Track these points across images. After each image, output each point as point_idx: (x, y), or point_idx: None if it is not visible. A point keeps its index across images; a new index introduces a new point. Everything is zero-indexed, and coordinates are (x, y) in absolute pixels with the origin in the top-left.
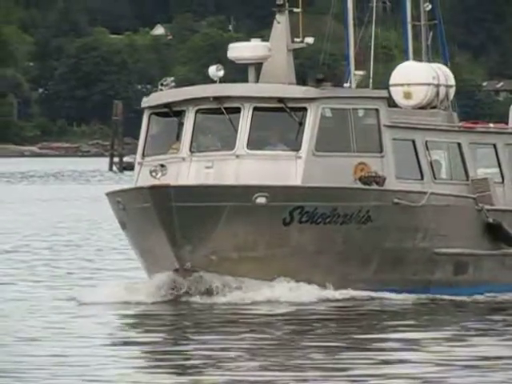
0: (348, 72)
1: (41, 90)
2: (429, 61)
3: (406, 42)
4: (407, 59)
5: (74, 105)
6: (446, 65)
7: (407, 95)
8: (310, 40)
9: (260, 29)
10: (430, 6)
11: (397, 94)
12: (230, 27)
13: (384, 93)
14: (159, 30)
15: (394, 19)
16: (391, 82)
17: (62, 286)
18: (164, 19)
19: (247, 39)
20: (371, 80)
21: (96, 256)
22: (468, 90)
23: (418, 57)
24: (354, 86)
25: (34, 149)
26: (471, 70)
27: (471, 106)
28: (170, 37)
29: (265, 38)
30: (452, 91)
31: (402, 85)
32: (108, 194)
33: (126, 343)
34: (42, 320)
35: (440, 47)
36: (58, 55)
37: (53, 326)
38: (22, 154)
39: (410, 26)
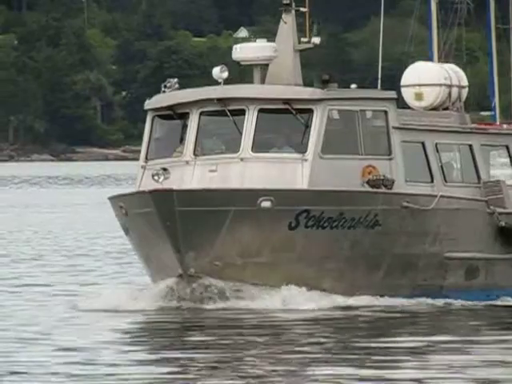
0: None
1: (124, 94)
2: None
3: (490, 44)
4: (491, 62)
5: None
6: None
7: (418, 96)
8: (317, 40)
9: (342, 31)
10: None
11: (408, 95)
12: (314, 30)
13: (393, 94)
14: (243, 33)
15: (479, 21)
16: (402, 82)
17: None
18: (247, 22)
19: (330, 42)
20: (379, 81)
21: None
22: None
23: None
24: None
25: (118, 152)
26: None
27: None
28: (253, 39)
29: (271, 39)
30: (465, 92)
31: (413, 86)
32: (111, 199)
33: (127, 350)
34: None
35: None
36: (141, 58)
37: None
38: (105, 158)
39: (493, 28)
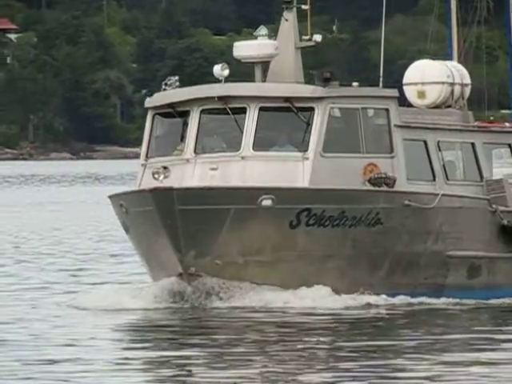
0: None
1: (144, 92)
2: None
3: (510, 43)
4: (511, 60)
5: None
6: None
7: (421, 94)
8: (318, 38)
9: (364, 30)
10: None
11: (410, 93)
12: (334, 28)
13: (394, 92)
14: (263, 31)
15: (499, 20)
16: (405, 81)
17: None
18: (267, 20)
19: (352, 41)
20: (381, 79)
21: None
22: None
23: None
24: None
25: (137, 150)
26: None
27: None
28: (273, 37)
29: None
30: (467, 90)
31: (415, 84)
32: (111, 197)
33: (128, 347)
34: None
35: None
36: (161, 56)
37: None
38: (125, 156)
39: None
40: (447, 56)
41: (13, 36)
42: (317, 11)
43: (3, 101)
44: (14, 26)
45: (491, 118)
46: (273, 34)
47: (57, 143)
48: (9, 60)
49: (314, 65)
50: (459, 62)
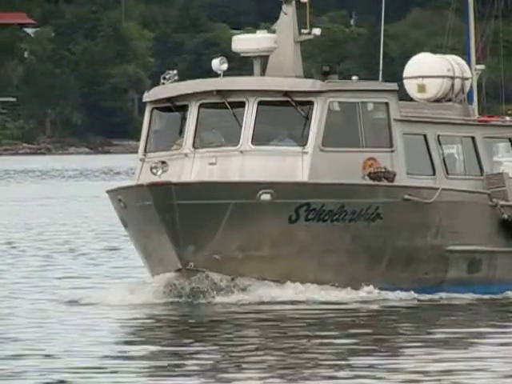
0: (468, 65)
1: None
2: None
3: None
4: None
5: None
6: None
7: (421, 88)
8: (317, 31)
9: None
10: None
11: (410, 87)
12: (352, 22)
13: (394, 86)
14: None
15: None
16: (405, 74)
17: None
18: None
19: (370, 35)
20: (381, 73)
21: None
22: None
23: None
24: (474, 80)
25: None
26: None
27: None
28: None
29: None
30: (468, 84)
31: (415, 77)
32: (109, 192)
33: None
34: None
35: None
36: (179, 51)
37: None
38: None
39: None
40: (465, 50)
41: (30, 31)
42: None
43: (21, 95)
44: (31, 21)
45: (509, 111)
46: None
47: (74, 138)
48: (26, 55)
49: (332, 59)
50: (476, 56)
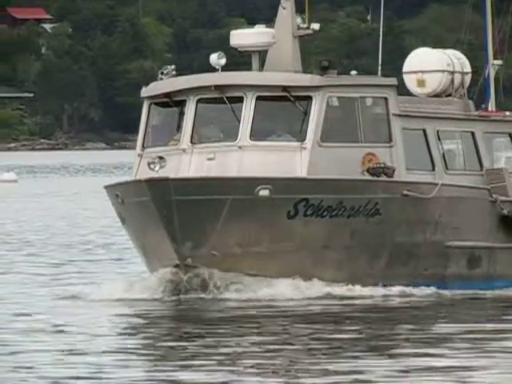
0: (486, 61)
1: None
2: None
3: None
4: None
5: None
6: None
7: (421, 83)
8: (316, 26)
9: (398, 19)
10: None
11: (410, 81)
12: (368, 17)
13: (393, 80)
14: (298, 20)
15: None
16: (404, 69)
17: None
18: (302, 9)
19: (386, 30)
20: (380, 67)
21: None
22: None
23: None
24: (492, 75)
25: None
26: None
27: None
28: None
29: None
30: (468, 78)
31: (415, 72)
32: (106, 188)
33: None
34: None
35: None
36: (196, 46)
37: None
38: None
39: None
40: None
41: (48, 26)
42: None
43: (38, 91)
44: (49, 16)
45: None
46: (307, 23)
47: (91, 133)
48: (44, 50)
49: (349, 54)
50: (494, 51)
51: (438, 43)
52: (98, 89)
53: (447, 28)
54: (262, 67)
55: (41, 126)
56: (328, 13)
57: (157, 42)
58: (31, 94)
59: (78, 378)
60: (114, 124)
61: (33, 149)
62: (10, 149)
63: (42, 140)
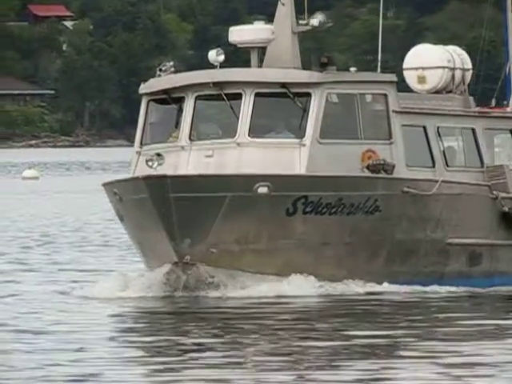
0: (507, 57)
1: None
2: None
3: None
4: None
5: None
6: None
7: (421, 79)
8: (315, 22)
9: (420, 16)
10: None
11: (410, 78)
12: (390, 14)
13: (393, 77)
14: (320, 17)
15: None
16: (405, 65)
17: None
18: (323, 6)
19: (407, 27)
20: (379, 63)
21: None
22: None
23: None
24: None
25: None
26: None
27: None
28: (329, 24)
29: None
30: (469, 75)
31: (415, 69)
32: (105, 185)
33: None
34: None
35: None
36: (217, 43)
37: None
38: None
39: None
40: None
41: (69, 23)
42: None
43: (59, 88)
44: (70, 14)
45: None
46: (329, 20)
47: (112, 130)
48: (65, 47)
49: (370, 50)
50: None
51: (454, 40)
52: (118, 86)
53: (467, 25)
54: (261, 63)
55: (62, 123)
56: (351, 9)
57: (178, 38)
58: (52, 91)
59: (77, 376)
60: (136, 121)
61: (54, 146)
62: (31, 146)
63: (63, 137)
